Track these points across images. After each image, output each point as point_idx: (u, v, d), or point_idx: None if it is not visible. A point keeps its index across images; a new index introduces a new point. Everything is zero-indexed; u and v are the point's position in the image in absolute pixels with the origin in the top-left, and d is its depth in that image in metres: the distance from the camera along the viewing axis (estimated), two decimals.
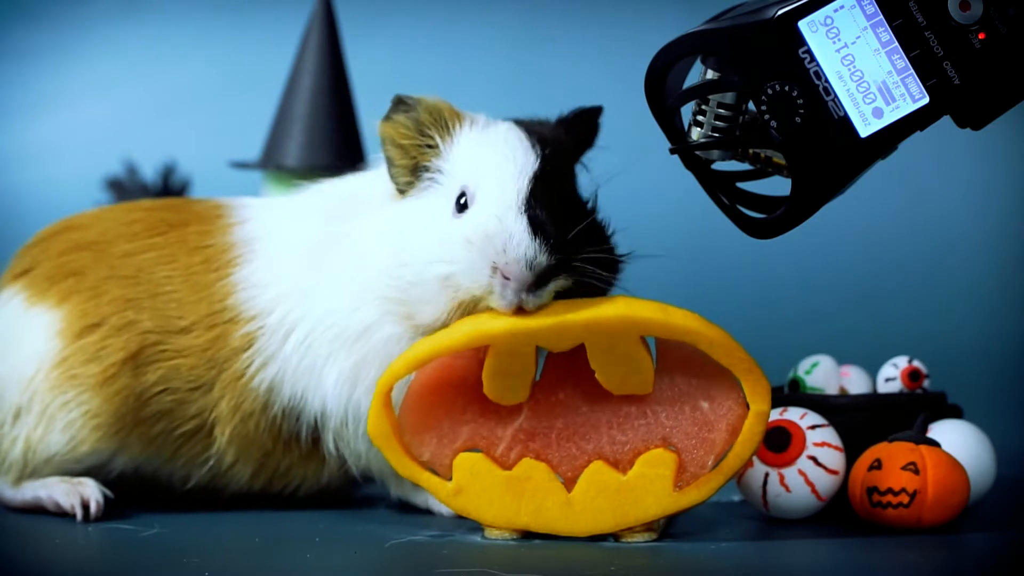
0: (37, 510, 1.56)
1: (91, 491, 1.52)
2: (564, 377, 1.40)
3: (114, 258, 1.58)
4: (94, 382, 1.53)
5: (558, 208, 1.41)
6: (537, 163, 1.43)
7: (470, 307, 1.41)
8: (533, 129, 1.48)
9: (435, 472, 1.41)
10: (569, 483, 1.38)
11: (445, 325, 1.43)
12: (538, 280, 1.37)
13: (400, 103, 1.49)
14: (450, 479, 1.40)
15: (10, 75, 2.80)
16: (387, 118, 1.50)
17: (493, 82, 2.72)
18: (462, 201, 1.44)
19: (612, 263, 1.45)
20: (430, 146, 1.49)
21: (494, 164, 1.43)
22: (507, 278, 1.37)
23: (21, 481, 1.57)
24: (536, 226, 1.38)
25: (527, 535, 1.40)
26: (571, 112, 1.54)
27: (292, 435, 1.56)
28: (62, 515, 1.53)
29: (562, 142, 1.49)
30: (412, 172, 1.50)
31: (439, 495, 1.41)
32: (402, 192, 1.50)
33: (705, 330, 1.35)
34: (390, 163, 1.51)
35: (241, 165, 2.13)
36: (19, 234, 1.72)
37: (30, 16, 2.82)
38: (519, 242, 1.37)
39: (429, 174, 1.48)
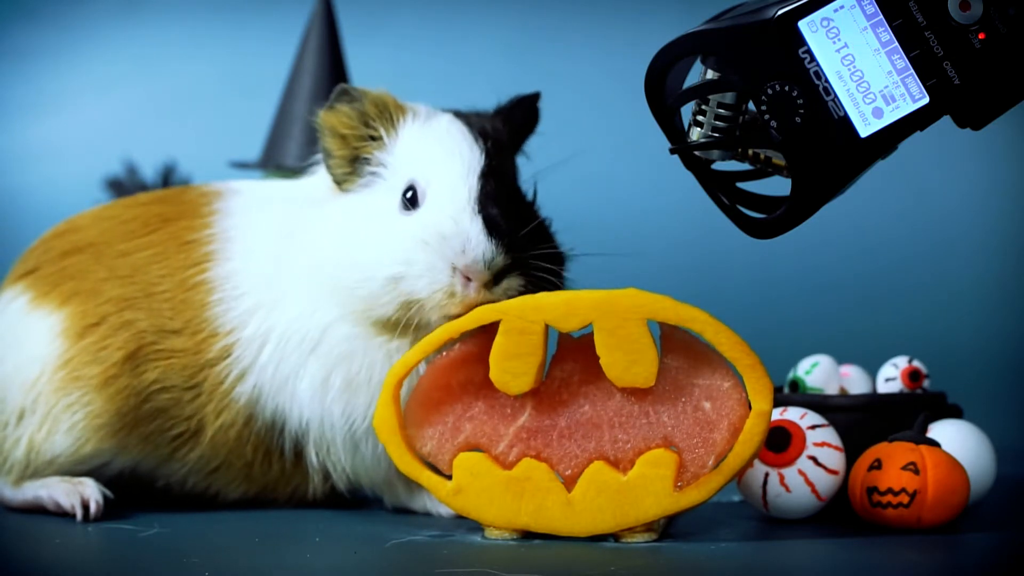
0: (37, 510, 1.56)
1: (91, 491, 1.52)
2: (568, 377, 1.40)
3: (111, 258, 1.59)
4: (96, 382, 1.54)
5: (508, 206, 1.45)
6: (483, 159, 1.46)
7: (418, 309, 1.44)
8: (473, 122, 1.50)
9: (435, 467, 1.42)
10: (569, 482, 1.38)
11: (397, 323, 1.45)
12: (495, 278, 1.41)
13: (344, 93, 1.51)
14: (450, 474, 1.41)
15: (10, 75, 2.80)
16: (330, 107, 1.51)
17: (493, 82, 2.71)
18: (409, 196, 1.45)
19: (560, 259, 1.49)
20: (373, 138, 1.50)
21: (441, 160, 1.46)
22: (468, 278, 1.40)
23: (22, 481, 1.57)
24: (491, 226, 1.42)
25: (527, 535, 1.40)
26: (509, 101, 1.56)
27: (276, 448, 1.56)
28: (62, 515, 1.53)
29: (501, 133, 1.52)
30: (351, 163, 1.51)
31: (439, 494, 1.41)
32: (340, 184, 1.51)
33: (712, 321, 1.35)
34: (328, 154, 1.52)
35: (241, 165, 2.13)
36: (19, 234, 1.73)
37: (30, 16, 2.82)
38: (477, 243, 1.41)
39: (371, 167, 1.50)
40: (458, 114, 1.52)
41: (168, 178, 2.23)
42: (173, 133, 2.70)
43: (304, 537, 1.43)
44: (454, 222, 1.42)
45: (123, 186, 2.22)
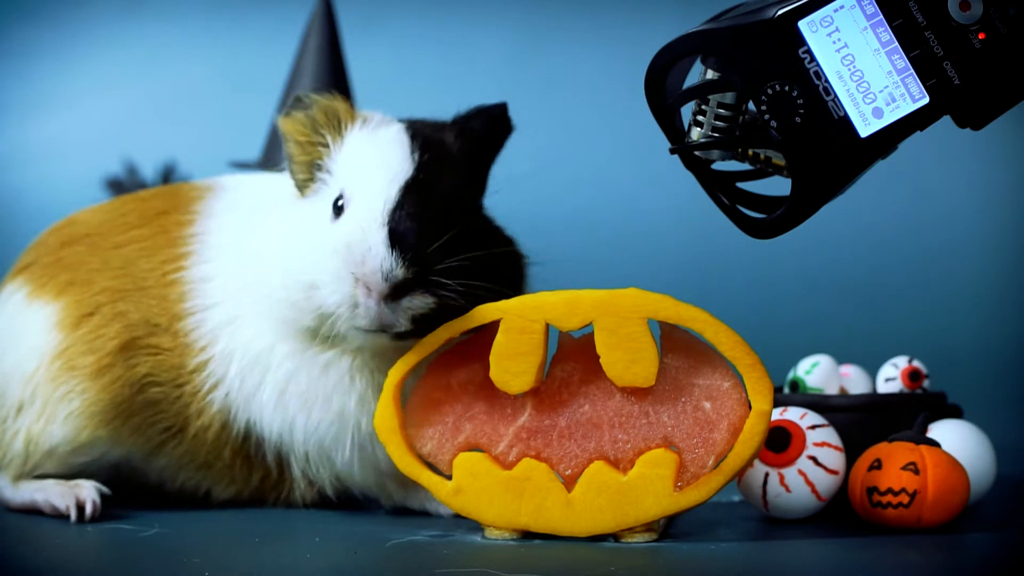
0: (35, 511, 1.56)
1: (87, 492, 1.52)
2: (568, 377, 1.40)
3: (106, 250, 1.60)
4: (90, 371, 1.54)
5: (427, 219, 1.41)
6: (412, 170, 1.44)
7: (331, 321, 1.42)
8: (420, 132, 1.48)
9: (434, 467, 1.42)
10: (569, 482, 1.38)
11: (317, 334, 1.44)
12: (394, 292, 1.39)
13: (298, 100, 1.51)
14: (449, 474, 1.41)
15: (10, 75, 2.80)
16: (286, 114, 1.52)
17: (493, 82, 2.72)
18: (339, 204, 1.45)
19: (485, 273, 1.43)
20: (323, 145, 1.50)
21: (369, 170, 1.45)
22: (368, 288, 1.39)
23: (22, 477, 1.57)
24: (395, 238, 1.39)
25: (527, 535, 1.40)
26: (466, 112, 1.53)
27: (256, 456, 1.56)
28: (59, 516, 1.53)
29: (450, 145, 1.49)
30: (309, 170, 1.51)
31: (439, 494, 1.41)
32: (300, 190, 1.52)
33: (712, 320, 1.35)
34: (290, 159, 1.53)
35: (241, 165, 2.13)
36: (19, 234, 1.73)
37: (30, 16, 2.82)
38: (376, 254, 1.39)
39: (321, 173, 1.50)
40: (411, 123, 1.51)
41: (168, 178, 2.24)
42: (173, 133, 2.70)
43: (304, 537, 1.43)
44: (361, 231, 1.40)
45: (123, 186, 2.23)
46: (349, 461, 1.52)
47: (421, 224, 1.41)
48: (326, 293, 1.42)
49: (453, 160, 1.48)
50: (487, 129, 1.52)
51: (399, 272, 1.39)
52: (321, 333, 1.44)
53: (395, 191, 1.42)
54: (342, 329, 1.43)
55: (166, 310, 1.56)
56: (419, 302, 1.40)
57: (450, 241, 1.41)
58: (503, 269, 1.48)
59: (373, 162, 1.45)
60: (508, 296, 1.43)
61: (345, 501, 1.60)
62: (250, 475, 1.57)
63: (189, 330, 1.55)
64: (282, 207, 1.53)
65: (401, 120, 1.52)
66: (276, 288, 1.46)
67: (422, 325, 1.41)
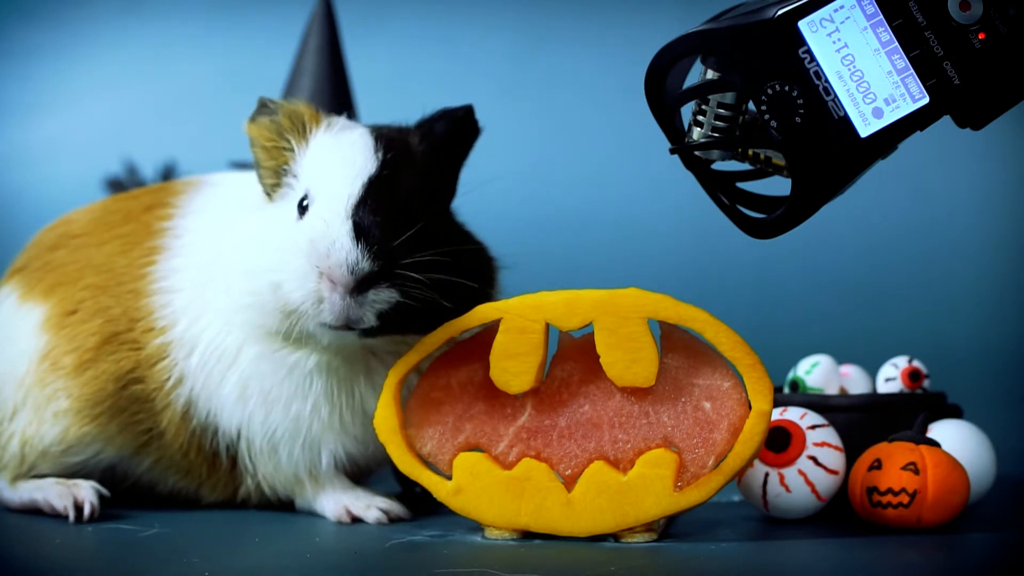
0: (35, 511, 1.56)
1: (85, 492, 1.52)
2: (568, 377, 1.40)
3: (91, 248, 1.60)
4: (72, 368, 1.54)
5: (391, 214, 1.41)
6: (376, 168, 1.43)
7: (297, 318, 1.41)
8: (384, 135, 1.48)
9: (434, 467, 1.42)
10: (569, 482, 1.38)
11: (286, 335, 1.43)
12: (359, 285, 1.38)
13: (263, 106, 1.51)
14: (449, 474, 1.41)
15: (10, 75, 2.80)
16: (252, 120, 1.51)
17: (494, 82, 2.72)
18: (304, 204, 1.45)
19: (453, 270, 1.42)
20: (288, 149, 1.49)
21: (333, 168, 1.44)
22: (333, 283, 1.38)
23: (19, 479, 1.58)
24: (360, 231, 1.38)
25: (527, 535, 1.40)
26: (431, 115, 1.52)
27: (214, 452, 1.55)
28: (57, 516, 1.53)
29: (415, 147, 1.48)
30: (276, 175, 1.51)
31: (439, 494, 1.41)
32: (268, 195, 1.52)
33: (712, 320, 1.35)
34: (257, 165, 1.52)
35: (241, 165, 2.13)
36: (19, 234, 1.73)
37: (30, 16, 2.82)
38: (340, 246, 1.38)
39: (287, 178, 1.50)
40: (375, 127, 1.50)
41: (168, 178, 2.24)
42: (173, 133, 2.70)
43: (304, 537, 1.43)
44: (325, 226, 1.40)
45: (123, 186, 2.23)
46: (294, 457, 1.51)
47: (386, 218, 1.40)
48: (290, 290, 1.41)
49: (417, 161, 1.48)
50: (452, 132, 1.51)
51: (365, 265, 1.38)
52: (287, 333, 1.43)
53: (359, 187, 1.42)
54: (309, 326, 1.42)
55: (143, 304, 1.55)
56: (385, 296, 1.39)
57: (416, 236, 1.40)
58: (471, 267, 1.47)
59: (337, 161, 1.45)
60: (477, 293, 1.43)
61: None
62: (208, 471, 1.56)
63: (152, 310, 1.54)
64: (251, 212, 1.53)
65: (366, 125, 1.51)
66: (242, 293, 1.46)
67: (388, 321, 1.40)
